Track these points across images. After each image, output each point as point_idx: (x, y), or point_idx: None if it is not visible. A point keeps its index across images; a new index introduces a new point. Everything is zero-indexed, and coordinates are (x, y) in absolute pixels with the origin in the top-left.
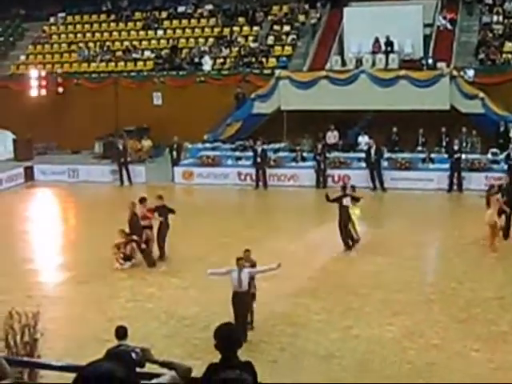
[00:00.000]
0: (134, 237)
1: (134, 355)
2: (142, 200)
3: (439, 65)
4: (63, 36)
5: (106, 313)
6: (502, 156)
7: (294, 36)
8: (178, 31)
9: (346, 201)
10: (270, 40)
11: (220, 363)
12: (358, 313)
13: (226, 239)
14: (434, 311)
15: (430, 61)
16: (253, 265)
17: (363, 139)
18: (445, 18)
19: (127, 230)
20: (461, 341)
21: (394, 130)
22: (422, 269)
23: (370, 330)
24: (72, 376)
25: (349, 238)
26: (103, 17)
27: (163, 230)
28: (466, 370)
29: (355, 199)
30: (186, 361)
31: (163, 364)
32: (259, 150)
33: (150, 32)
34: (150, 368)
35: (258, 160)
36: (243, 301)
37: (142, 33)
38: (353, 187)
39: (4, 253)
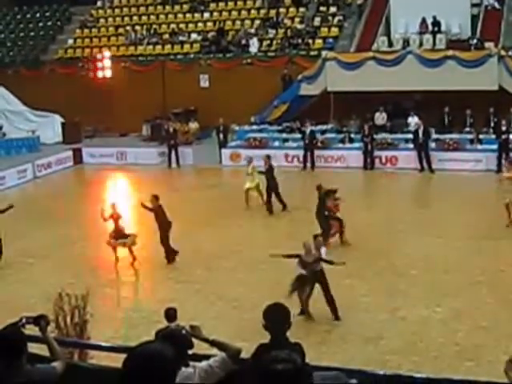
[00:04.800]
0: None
1: (185, 335)
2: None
3: (487, 45)
4: (110, 19)
5: (155, 294)
6: None
7: (341, 17)
8: (225, 13)
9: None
10: (317, 21)
11: (269, 344)
12: (406, 294)
13: (274, 220)
14: (483, 293)
15: (478, 41)
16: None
17: (413, 120)
18: None
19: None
20: (509, 323)
21: (446, 110)
22: (470, 250)
23: (418, 311)
24: (121, 357)
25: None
26: (150, 0)
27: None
28: None
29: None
30: (234, 342)
31: (213, 343)
32: (307, 131)
33: (196, 15)
34: (199, 348)
35: (306, 141)
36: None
37: (188, 15)
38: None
39: (55, 235)
